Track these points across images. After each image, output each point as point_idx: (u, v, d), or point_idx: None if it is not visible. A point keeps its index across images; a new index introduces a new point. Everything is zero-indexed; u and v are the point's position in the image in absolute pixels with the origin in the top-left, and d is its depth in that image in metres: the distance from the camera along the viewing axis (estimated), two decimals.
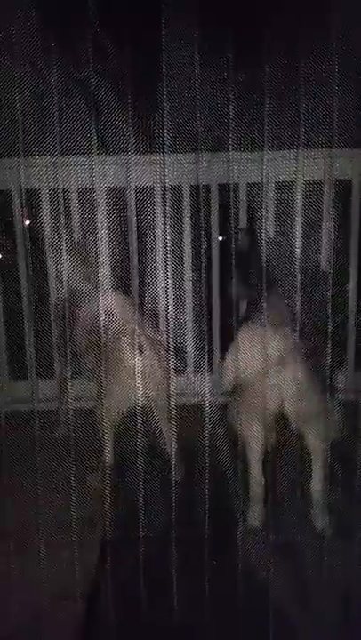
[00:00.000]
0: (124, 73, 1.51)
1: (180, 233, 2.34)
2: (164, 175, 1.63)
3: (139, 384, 1.84)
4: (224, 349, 2.03)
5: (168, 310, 1.73)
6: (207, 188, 2.61)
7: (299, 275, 1.77)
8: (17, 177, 1.73)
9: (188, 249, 2.52)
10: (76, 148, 1.67)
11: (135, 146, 1.60)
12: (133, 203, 1.87)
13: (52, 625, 1.57)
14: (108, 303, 1.90)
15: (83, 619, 1.61)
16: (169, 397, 1.69)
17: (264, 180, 1.77)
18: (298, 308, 1.73)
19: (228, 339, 1.96)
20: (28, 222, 2.13)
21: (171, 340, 1.91)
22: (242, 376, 1.87)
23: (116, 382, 1.94)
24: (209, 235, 2.72)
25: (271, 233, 2.11)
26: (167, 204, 1.74)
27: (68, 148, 1.65)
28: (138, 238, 1.92)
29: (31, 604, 1.62)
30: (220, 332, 2.89)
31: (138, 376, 1.85)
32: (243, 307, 2.41)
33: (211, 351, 2.77)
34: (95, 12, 1.44)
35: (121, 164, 1.75)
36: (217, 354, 2.84)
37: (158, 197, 1.99)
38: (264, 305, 1.76)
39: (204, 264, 1.97)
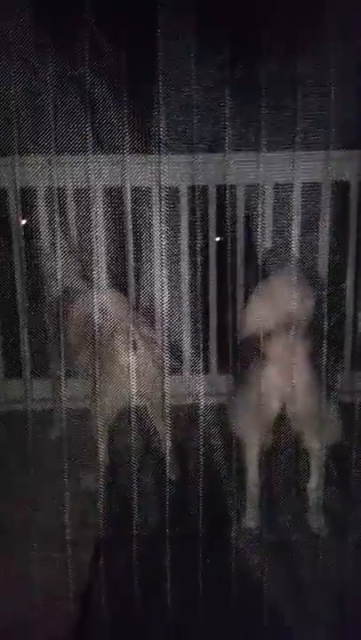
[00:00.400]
0: (119, 71, 1.50)
1: (177, 232, 2.33)
2: (160, 175, 1.63)
3: (133, 383, 1.83)
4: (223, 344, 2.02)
5: (163, 309, 1.72)
6: (204, 188, 2.59)
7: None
8: (12, 175, 1.72)
9: (184, 249, 2.50)
10: (71, 146, 1.66)
11: (131, 145, 1.59)
12: (129, 202, 1.87)
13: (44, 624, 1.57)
14: (104, 302, 1.90)
15: (76, 618, 1.61)
16: (163, 397, 1.69)
17: (261, 182, 1.78)
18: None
19: (224, 339, 1.95)
20: (23, 221, 2.12)
21: (166, 339, 1.90)
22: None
23: (110, 381, 1.94)
24: (206, 235, 2.70)
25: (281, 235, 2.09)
26: (163, 203, 1.74)
27: (64, 146, 1.64)
28: (134, 237, 1.91)
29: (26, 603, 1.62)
30: (216, 332, 2.87)
31: (132, 375, 1.84)
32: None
33: (206, 351, 2.76)
34: (91, 12, 1.43)
35: (117, 162, 1.74)
36: (213, 354, 2.84)
37: (154, 197, 1.98)
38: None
39: (200, 263, 1.96)
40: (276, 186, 2.00)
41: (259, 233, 1.78)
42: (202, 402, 1.68)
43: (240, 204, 2.23)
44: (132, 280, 1.90)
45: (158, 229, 1.71)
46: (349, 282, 2.54)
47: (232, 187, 1.98)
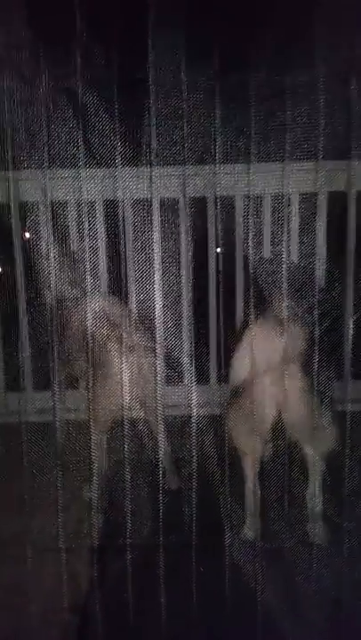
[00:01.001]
0: (112, 82, 1.52)
1: (177, 243, 2.34)
2: (152, 187, 1.64)
3: (127, 394, 1.83)
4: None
5: (162, 320, 1.72)
6: (203, 199, 2.60)
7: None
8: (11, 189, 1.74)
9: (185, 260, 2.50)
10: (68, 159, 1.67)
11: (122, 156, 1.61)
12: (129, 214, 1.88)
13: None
14: (108, 314, 1.90)
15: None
16: (157, 408, 1.69)
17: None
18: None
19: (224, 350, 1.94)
20: (26, 234, 2.14)
21: (164, 350, 1.90)
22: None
23: (110, 393, 1.94)
24: (206, 246, 2.70)
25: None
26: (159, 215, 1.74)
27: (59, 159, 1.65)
28: (133, 248, 1.91)
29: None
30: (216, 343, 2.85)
31: (126, 386, 1.84)
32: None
33: (206, 362, 2.74)
34: (83, 23, 1.45)
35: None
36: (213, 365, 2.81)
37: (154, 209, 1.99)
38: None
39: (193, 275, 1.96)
40: None
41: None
42: None
43: None
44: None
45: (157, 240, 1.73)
46: None
47: None
